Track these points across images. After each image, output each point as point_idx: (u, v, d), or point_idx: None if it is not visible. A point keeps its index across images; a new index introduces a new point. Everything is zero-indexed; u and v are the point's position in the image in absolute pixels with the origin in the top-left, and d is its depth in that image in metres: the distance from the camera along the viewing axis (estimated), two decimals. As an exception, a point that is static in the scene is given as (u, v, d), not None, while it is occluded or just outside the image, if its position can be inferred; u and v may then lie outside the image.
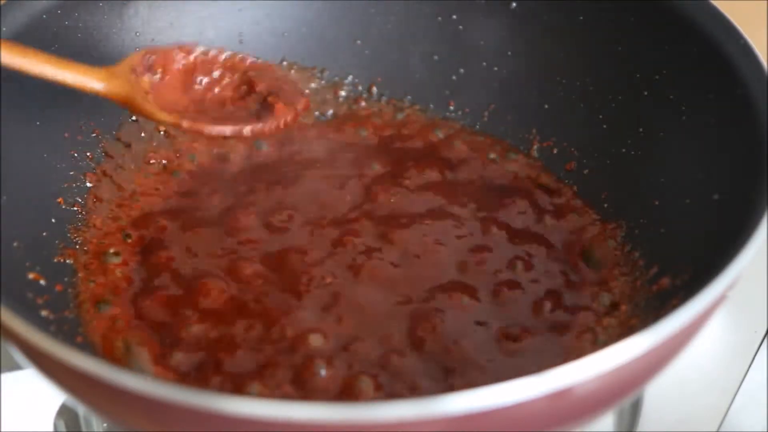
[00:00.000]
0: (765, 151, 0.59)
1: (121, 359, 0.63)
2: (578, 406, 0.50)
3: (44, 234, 0.67)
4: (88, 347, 0.63)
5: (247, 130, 0.69)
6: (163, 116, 0.68)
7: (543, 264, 0.70)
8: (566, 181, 0.75)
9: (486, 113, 0.80)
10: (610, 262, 0.70)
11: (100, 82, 0.67)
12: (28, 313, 0.60)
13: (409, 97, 0.82)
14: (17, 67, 0.63)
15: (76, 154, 0.72)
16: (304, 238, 0.72)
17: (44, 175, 0.69)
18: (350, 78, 0.82)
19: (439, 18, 0.80)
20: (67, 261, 0.68)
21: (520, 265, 0.70)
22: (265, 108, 0.70)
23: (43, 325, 0.60)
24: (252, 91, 0.71)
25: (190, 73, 0.71)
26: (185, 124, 0.68)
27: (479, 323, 0.66)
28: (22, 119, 0.68)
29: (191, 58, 0.71)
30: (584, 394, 0.48)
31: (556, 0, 0.76)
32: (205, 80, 0.71)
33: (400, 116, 0.81)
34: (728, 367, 0.72)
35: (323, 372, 0.62)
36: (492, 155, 0.78)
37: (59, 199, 0.70)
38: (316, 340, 0.64)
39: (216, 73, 0.71)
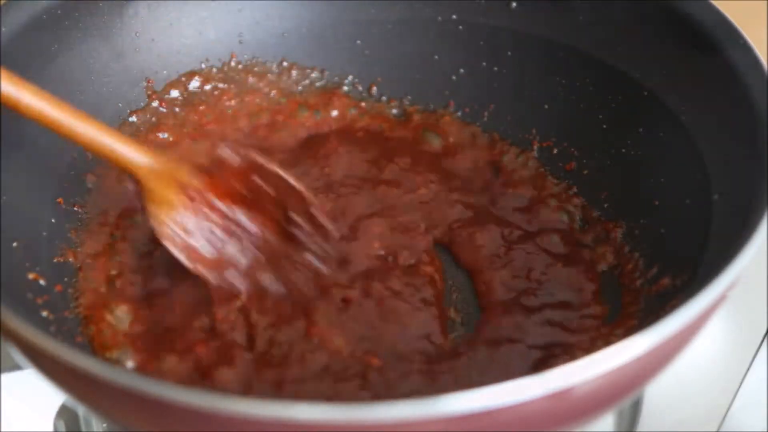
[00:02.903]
0: (765, 151, 0.59)
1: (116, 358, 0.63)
2: (578, 406, 0.50)
3: (44, 234, 0.67)
4: (87, 347, 0.63)
5: None
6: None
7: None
8: (566, 181, 0.75)
9: (486, 113, 0.80)
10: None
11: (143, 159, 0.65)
12: (28, 313, 0.60)
13: (409, 97, 0.82)
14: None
15: (75, 155, 0.72)
16: None
17: (44, 175, 0.69)
18: (350, 78, 0.82)
19: (439, 18, 0.80)
20: (68, 261, 0.67)
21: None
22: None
23: (43, 325, 0.61)
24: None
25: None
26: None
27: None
28: (22, 119, 0.68)
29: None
30: (584, 394, 0.48)
31: (556, 0, 0.76)
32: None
33: (401, 117, 0.81)
34: (728, 367, 0.72)
35: None
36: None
37: (59, 199, 0.70)
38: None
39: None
